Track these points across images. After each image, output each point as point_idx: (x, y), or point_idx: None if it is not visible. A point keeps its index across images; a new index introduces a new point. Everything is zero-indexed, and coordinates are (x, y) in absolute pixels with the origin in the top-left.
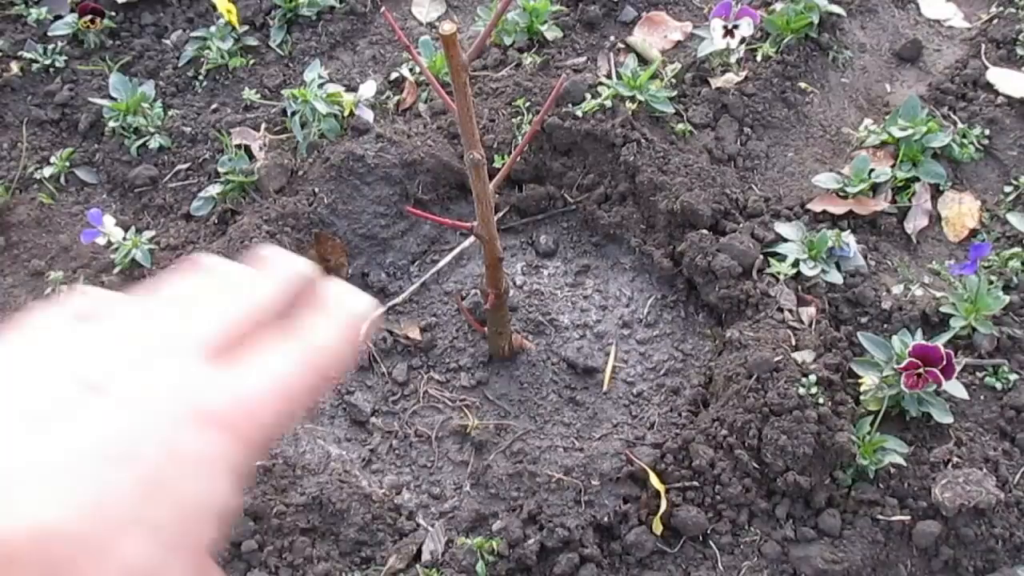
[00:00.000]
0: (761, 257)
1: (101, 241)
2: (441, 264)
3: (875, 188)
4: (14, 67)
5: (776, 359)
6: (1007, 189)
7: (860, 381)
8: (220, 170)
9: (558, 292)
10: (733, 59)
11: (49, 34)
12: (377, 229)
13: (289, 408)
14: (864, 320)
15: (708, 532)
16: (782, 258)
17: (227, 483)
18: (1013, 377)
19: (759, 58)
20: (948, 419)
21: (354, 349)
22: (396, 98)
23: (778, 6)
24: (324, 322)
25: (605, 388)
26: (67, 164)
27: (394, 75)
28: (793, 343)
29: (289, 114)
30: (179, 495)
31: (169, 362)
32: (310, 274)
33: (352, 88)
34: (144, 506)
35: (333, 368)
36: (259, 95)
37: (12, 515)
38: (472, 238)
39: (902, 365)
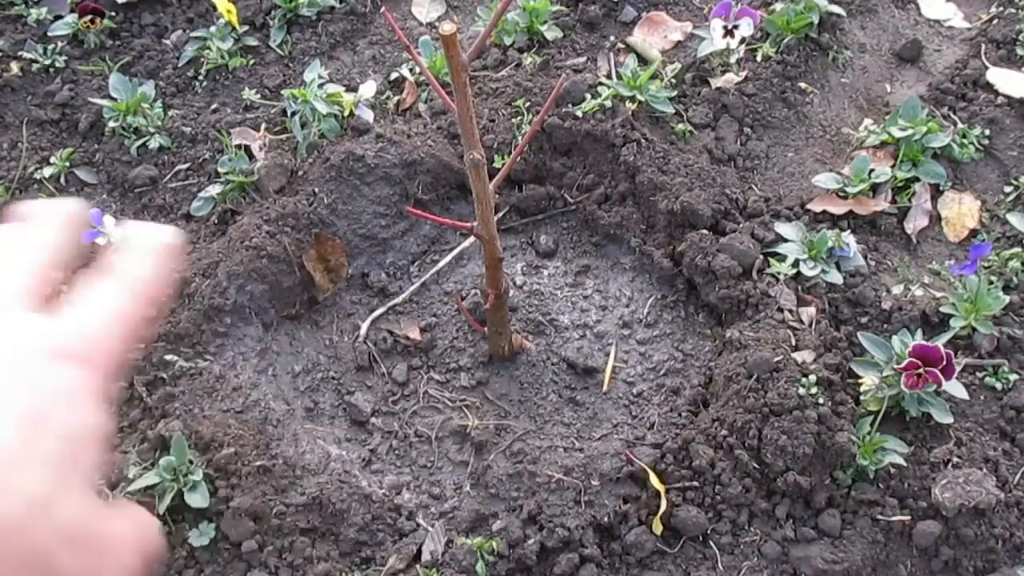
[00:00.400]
0: (761, 257)
1: (101, 241)
2: (441, 264)
3: (875, 188)
4: (14, 67)
5: (776, 359)
6: (1007, 189)
7: (860, 381)
8: (220, 170)
9: (558, 292)
10: (733, 59)
11: (49, 34)
12: (377, 229)
13: (129, 334)
14: (864, 320)
15: (708, 532)
16: (782, 258)
17: (96, 408)
18: (1013, 377)
19: (759, 58)
20: (948, 419)
21: (168, 273)
22: (396, 98)
23: (778, 6)
24: (134, 256)
25: (605, 388)
26: (67, 164)
27: (394, 75)
28: (793, 343)
29: (289, 114)
30: (57, 426)
31: (4, 317)
32: (75, 210)
33: (352, 88)
34: (28, 442)
35: (156, 292)
36: (259, 95)
37: None
38: (472, 238)
39: (902, 365)
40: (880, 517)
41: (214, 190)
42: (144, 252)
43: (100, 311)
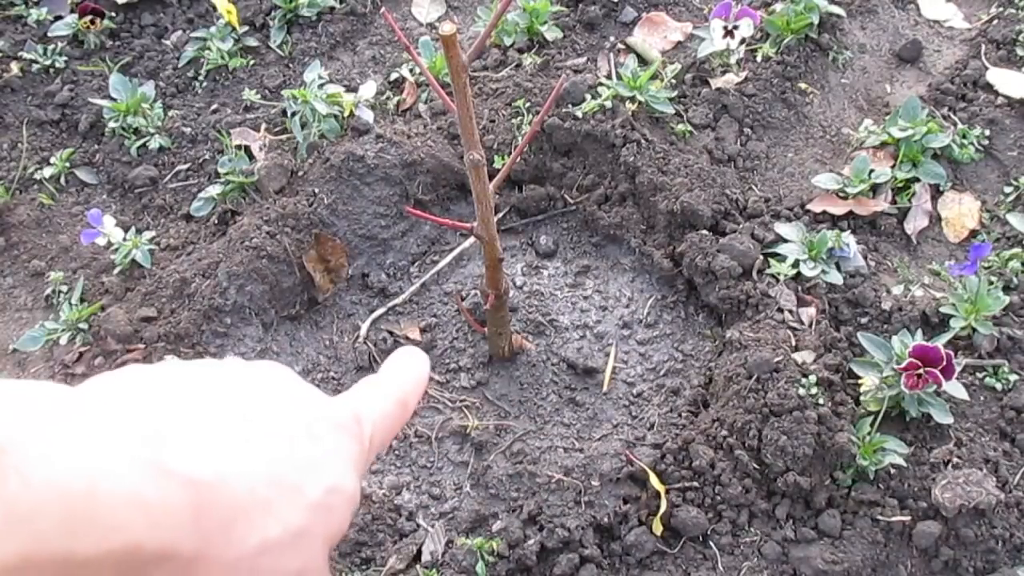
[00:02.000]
0: (761, 258)
1: (101, 242)
2: (441, 265)
3: (875, 189)
4: (14, 68)
5: (776, 359)
6: (1007, 190)
7: (860, 381)
8: (220, 170)
9: (558, 293)
10: (733, 60)
11: (49, 35)
12: (377, 230)
13: (389, 429)
14: (864, 320)
15: (708, 532)
16: (782, 259)
17: (355, 473)
18: (1013, 378)
19: (759, 59)
20: (948, 420)
21: (422, 393)
22: (396, 99)
23: (778, 6)
24: (403, 374)
25: (605, 389)
26: (67, 164)
27: (394, 76)
28: (793, 343)
29: (289, 115)
30: (325, 475)
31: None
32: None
33: (352, 89)
34: (303, 481)
35: (413, 404)
36: (259, 96)
37: (220, 465)
38: (472, 239)
39: (902, 366)
40: (880, 517)
41: (214, 190)
42: (411, 372)
43: (374, 404)
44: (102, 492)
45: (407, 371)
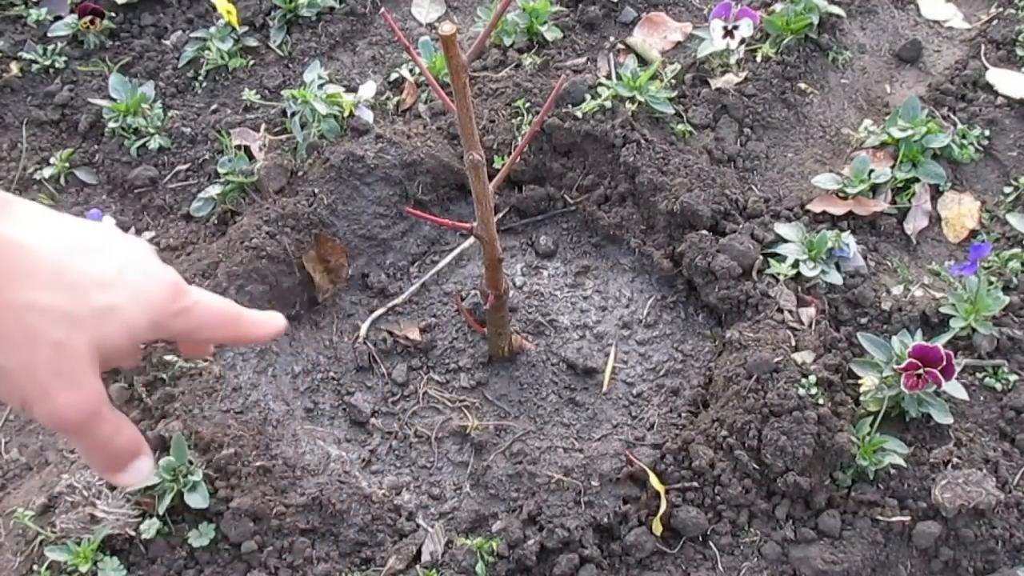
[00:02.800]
0: (761, 258)
1: None
2: (441, 265)
3: (875, 189)
4: (14, 68)
5: (776, 360)
6: (1007, 190)
7: (860, 382)
8: (220, 171)
9: (558, 293)
10: (733, 60)
11: (49, 35)
12: (377, 230)
13: (203, 324)
14: (864, 321)
15: (708, 533)
16: (782, 259)
17: (153, 318)
18: (1013, 378)
19: (759, 59)
20: (948, 420)
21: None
22: (396, 99)
23: (778, 7)
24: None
25: (605, 389)
26: (67, 165)
27: (394, 76)
28: (793, 344)
29: (289, 115)
30: (112, 295)
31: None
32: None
33: (352, 89)
34: (92, 288)
35: (243, 330)
36: (259, 96)
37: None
38: (472, 239)
39: (902, 366)
40: (880, 518)
41: (214, 191)
42: (263, 317)
43: (208, 297)
44: None
45: (266, 316)
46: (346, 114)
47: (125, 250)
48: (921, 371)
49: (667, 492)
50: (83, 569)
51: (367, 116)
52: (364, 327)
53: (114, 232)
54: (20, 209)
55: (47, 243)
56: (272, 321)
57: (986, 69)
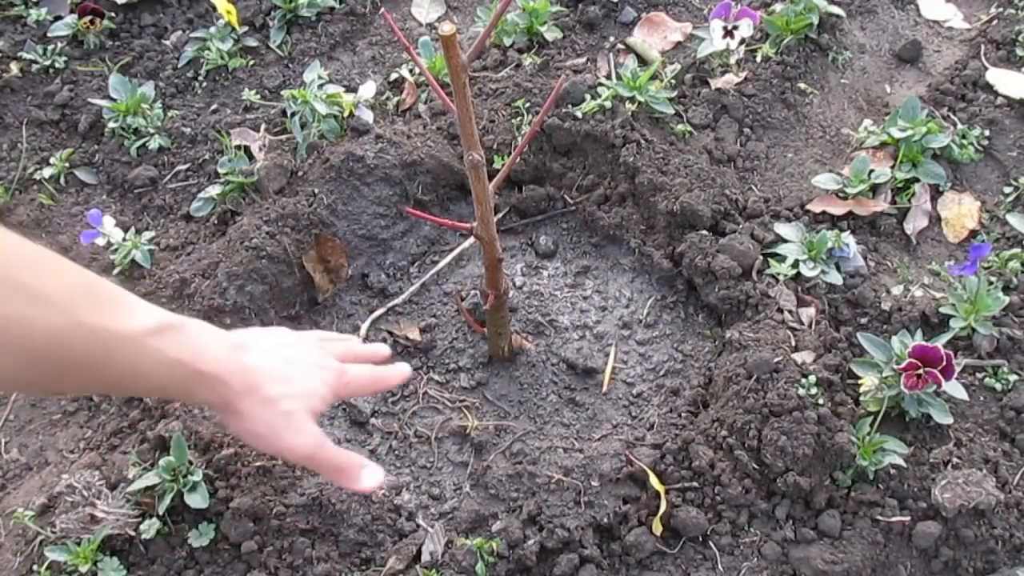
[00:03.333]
0: (761, 258)
1: (101, 242)
2: (441, 265)
3: (875, 189)
4: (14, 68)
5: (776, 360)
6: (1007, 190)
7: (860, 382)
8: (220, 171)
9: (558, 293)
10: (733, 60)
11: (49, 35)
12: (377, 230)
13: (357, 388)
14: (864, 321)
15: (708, 533)
16: (782, 259)
17: (327, 391)
18: (1013, 378)
19: (759, 59)
20: (948, 420)
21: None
22: (396, 99)
23: (778, 7)
24: (388, 371)
25: (605, 389)
26: (67, 165)
27: (394, 76)
28: (793, 344)
29: (289, 115)
30: (308, 382)
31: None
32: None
33: (352, 89)
34: (296, 379)
35: (381, 384)
36: (259, 96)
37: (263, 361)
38: (472, 239)
39: (902, 366)
40: (880, 518)
41: (214, 191)
42: (394, 370)
43: (354, 369)
44: (212, 354)
45: (394, 369)
46: (346, 114)
47: (308, 351)
48: (921, 371)
49: (667, 492)
50: (83, 569)
51: (367, 116)
52: (364, 327)
53: (300, 338)
54: (253, 345)
55: (270, 360)
56: (401, 371)
57: (986, 69)
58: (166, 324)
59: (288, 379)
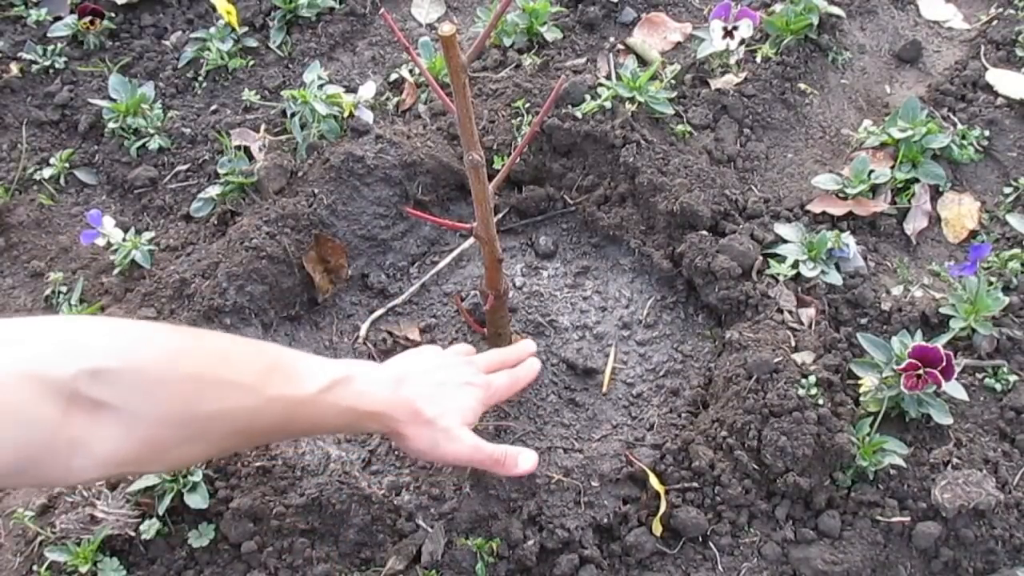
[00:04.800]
0: (761, 258)
1: (101, 242)
2: (441, 265)
3: (875, 189)
4: (14, 68)
5: (776, 360)
6: (1007, 190)
7: (860, 382)
8: (220, 171)
9: (558, 293)
10: (733, 60)
11: (49, 35)
12: (377, 230)
13: (502, 395)
14: (864, 321)
15: (708, 533)
16: (782, 259)
17: (476, 404)
18: (1013, 378)
19: (759, 59)
20: (948, 420)
21: (525, 383)
22: (396, 99)
23: (778, 7)
24: (522, 369)
25: (604, 389)
26: (67, 165)
27: (394, 76)
28: (793, 344)
29: (289, 115)
30: (462, 401)
31: (467, 368)
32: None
33: (352, 89)
34: (452, 400)
35: (520, 385)
36: (259, 96)
37: (412, 392)
38: (472, 239)
39: (902, 366)
40: (880, 518)
41: (214, 191)
42: (526, 369)
43: (495, 378)
44: (376, 395)
45: (525, 368)
46: (346, 114)
47: (456, 371)
48: (921, 371)
49: (667, 492)
50: (83, 569)
51: (367, 116)
52: (364, 327)
53: (445, 360)
54: (409, 376)
55: (425, 387)
56: (532, 370)
57: (986, 69)
58: (337, 380)
59: (441, 400)
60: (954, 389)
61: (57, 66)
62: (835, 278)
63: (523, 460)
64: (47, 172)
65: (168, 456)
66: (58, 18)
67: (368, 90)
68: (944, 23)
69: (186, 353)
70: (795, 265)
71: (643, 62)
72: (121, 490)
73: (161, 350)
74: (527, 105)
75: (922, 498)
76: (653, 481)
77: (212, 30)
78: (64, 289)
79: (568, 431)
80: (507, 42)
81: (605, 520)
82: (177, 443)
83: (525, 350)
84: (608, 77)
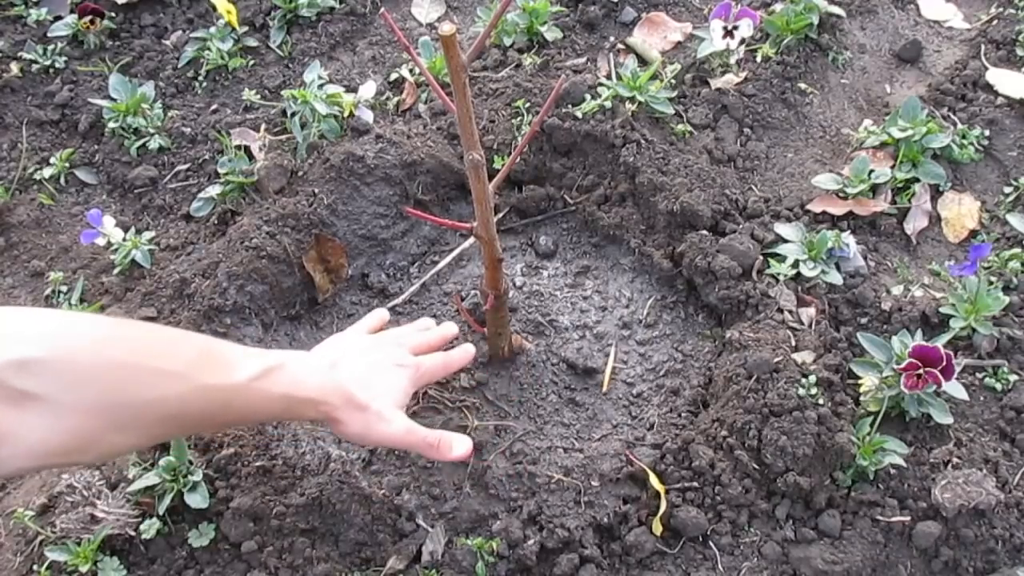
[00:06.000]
0: (761, 258)
1: (101, 242)
2: (441, 265)
3: (875, 189)
4: (14, 68)
5: (776, 360)
6: (1007, 190)
7: (860, 382)
8: (220, 171)
9: (558, 293)
10: (733, 60)
11: (49, 35)
12: (377, 230)
13: (433, 375)
14: (864, 321)
15: (708, 533)
16: (782, 259)
17: (408, 385)
18: (1013, 378)
19: (759, 59)
20: (948, 420)
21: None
22: (396, 99)
23: (778, 7)
24: (456, 353)
25: (605, 389)
26: (67, 165)
27: (394, 76)
28: (793, 344)
29: (289, 115)
30: (392, 381)
31: (397, 350)
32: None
33: (352, 89)
34: (381, 380)
35: (452, 367)
36: (259, 96)
37: (345, 377)
38: (472, 239)
39: (902, 366)
40: (880, 518)
41: (214, 191)
42: (460, 352)
43: (426, 360)
44: (309, 382)
45: (460, 351)
46: (346, 114)
47: (387, 354)
48: (921, 371)
49: (667, 492)
50: (83, 569)
51: (367, 116)
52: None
53: (377, 343)
54: (342, 360)
55: (358, 371)
56: (466, 352)
57: (986, 69)
58: (269, 368)
59: (374, 384)
60: (954, 389)
61: (57, 66)
62: (835, 278)
63: (457, 445)
64: (47, 172)
65: (98, 446)
66: (58, 18)
67: (368, 90)
68: (944, 23)
69: (113, 342)
70: (795, 265)
71: (643, 62)
72: (121, 490)
73: (87, 339)
74: (527, 105)
75: (922, 498)
76: (653, 481)
77: (212, 30)
78: (64, 289)
79: (568, 431)
80: (507, 42)
81: (605, 520)
82: (106, 432)
83: (448, 332)
84: (608, 77)
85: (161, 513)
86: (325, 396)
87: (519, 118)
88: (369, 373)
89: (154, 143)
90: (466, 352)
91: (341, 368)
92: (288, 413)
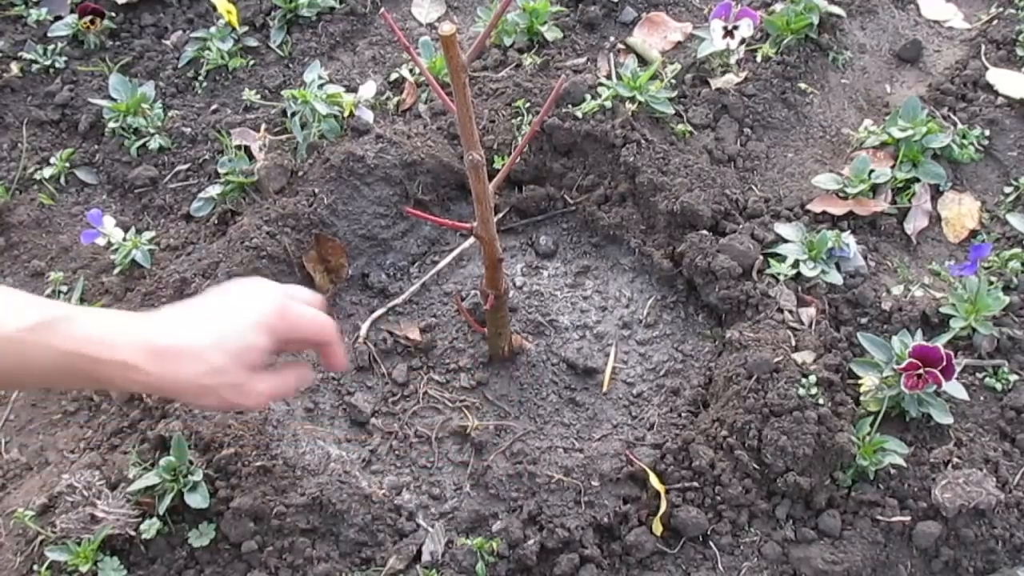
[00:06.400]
0: (761, 258)
1: (101, 242)
2: (441, 265)
3: (875, 189)
4: (14, 68)
5: (776, 360)
6: (1007, 190)
7: (860, 382)
8: (220, 171)
9: (558, 293)
10: (733, 60)
11: (49, 35)
12: (377, 230)
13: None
14: (864, 321)
15: (708, 533)
16: (782, 259)
17: (264, 340)
18: (1013, 378)
19: (759, 59)
20: (948, 420)
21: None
22: (396, 99)
23: (778, 7)
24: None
25: (605, 389)
26: (67, 165)
27: (394, 76)
28: (793, 344)
29: (289, 115)
30: (240, 350)
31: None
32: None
33: (352, 89)
34: (224, 349)
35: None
36: (259, 96)
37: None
38: (472, 239)
39: (902, 366)
40: (880, 518)
41: (214, 191)
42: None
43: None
44: (107, 339)
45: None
46: (346, 114)
47: (241, 298)
48: (921, 371)
49: (667, 492)
50: (83, 569)
51: (367, 116)
52: (364, 327)
53: (237, 287)
54: (165, 314)
55: (183, 320)
56: (303, 377)
57: (986, 69)
58: (52, 319)
59: (204, 351)
60: (954, 389)
61: (57, 66)
62: (835, 278)
63: (300, 385)
64: (47, 172)
65: None
66: (58, 18)
67: (368, 90)
68: (944, 23)
69: None
70: (795, 265)
71: (643, 62)
72: (121, 490)
73: None
74: (527, 105)
75: (922, 498)
76: (653, 481)
77: (212, 30)
78: (64, 289)
79: (568, 431)
80: (507, 42)
81: (605, 520)
82: None
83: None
84: (608, 77)
85: (161, 513)
86: (136, 362)
87: (519, 118)
88: (206, 322)
89: (154, 143)
90: (303, 377)
91: (157, 327)
92: (86, 377)
